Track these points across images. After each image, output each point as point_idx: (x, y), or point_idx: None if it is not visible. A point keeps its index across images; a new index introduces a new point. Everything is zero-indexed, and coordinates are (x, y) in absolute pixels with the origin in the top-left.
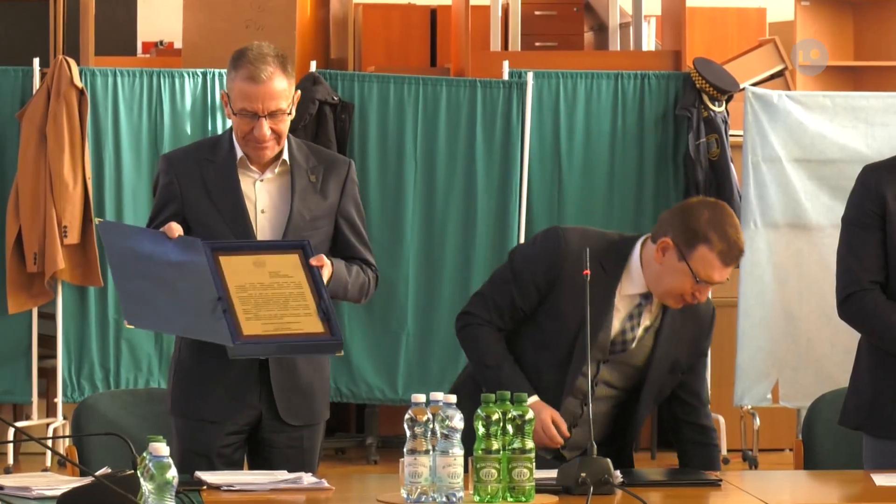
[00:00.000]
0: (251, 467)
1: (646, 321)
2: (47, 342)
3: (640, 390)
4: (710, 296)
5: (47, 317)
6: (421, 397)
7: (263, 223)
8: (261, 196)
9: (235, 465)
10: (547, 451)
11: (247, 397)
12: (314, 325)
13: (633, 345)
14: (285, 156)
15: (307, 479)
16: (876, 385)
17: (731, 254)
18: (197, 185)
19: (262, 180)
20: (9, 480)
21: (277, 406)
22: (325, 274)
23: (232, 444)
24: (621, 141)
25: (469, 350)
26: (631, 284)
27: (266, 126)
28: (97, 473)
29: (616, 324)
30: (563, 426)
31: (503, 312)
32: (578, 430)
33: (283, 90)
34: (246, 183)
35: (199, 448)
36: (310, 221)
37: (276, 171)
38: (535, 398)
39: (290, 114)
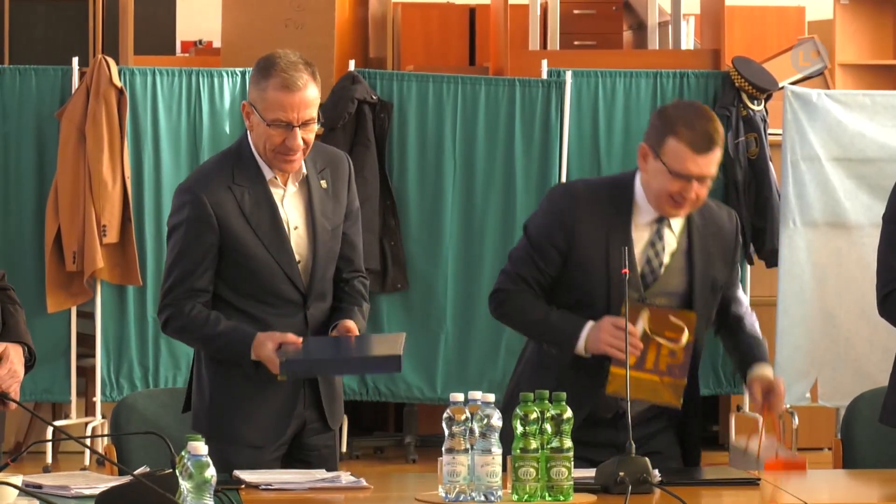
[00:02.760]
0: (287, 468)
1: (670, 244)
2: (86, 341)
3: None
4: (733, 214)
5: (86, 316)
6: (459, 396)
7: (297, 240)
8: (290, 212)
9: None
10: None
11: (295, 412)
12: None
13: (662, 270)
14: (303, 167)
15: (345, 477)
16: None
17: (701, 141)
18: (234, 212)
19: (286, 195)
20: (47, 479)
21: (326, 415)
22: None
23: (281, 455)
24: None
25: (511, 319)
26: (642, 213)
27: (299, 136)
28: (136, 472)
29: (639, 255)
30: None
31: (530, 282)
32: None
33: (315, 98)
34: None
35: (251, 465)
36: (332, 231)
37: (298, 183)
38: (589, 324)
39: (319, 121)
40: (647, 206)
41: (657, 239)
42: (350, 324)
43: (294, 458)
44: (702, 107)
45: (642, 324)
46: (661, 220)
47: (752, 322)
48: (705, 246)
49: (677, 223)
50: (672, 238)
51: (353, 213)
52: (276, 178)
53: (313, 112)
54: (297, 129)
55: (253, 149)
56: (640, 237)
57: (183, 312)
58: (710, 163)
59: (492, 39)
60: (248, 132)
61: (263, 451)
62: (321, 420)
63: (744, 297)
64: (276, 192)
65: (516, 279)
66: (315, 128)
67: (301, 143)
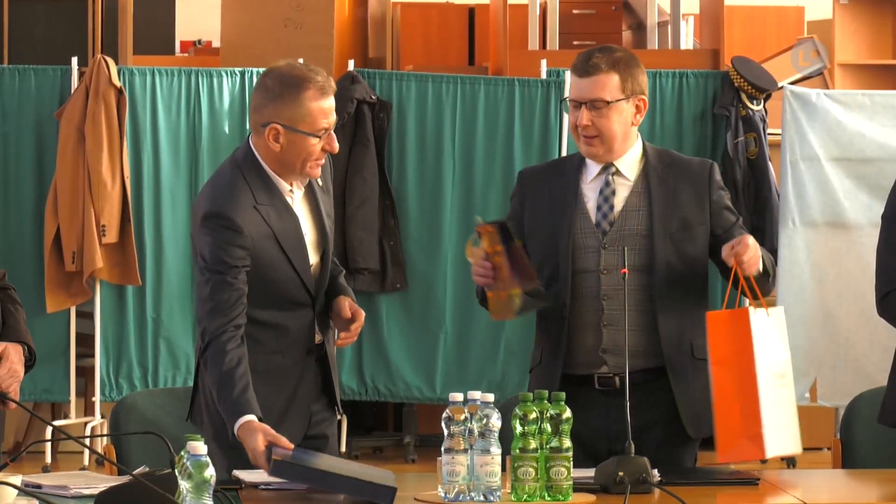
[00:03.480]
0: None
1: (622, 189)
2: (86, 341)
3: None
4: (707, 161)
5: (85, 316)
6: (459, 396)
7: (309, 246)
8: (301, 219)
9: None
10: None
11: (309, 407)
12: None
13: (615, 214)
14: None
15: None
16: None
17: (580, 65)
18: (264, 232)
19: (295, 202)
20: (47, 479)
21: (337, 402)
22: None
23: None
24: (659, 139)
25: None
26: (591, 170)
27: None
28: (135, 472)
29: (591, 208)
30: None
31: None
32: (611, 330)
33: None
34: None
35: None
36: (330, 228)
37: (304, 186)
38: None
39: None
40: (593, 163)
41: (605, 186)
42: (345, 301)
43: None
44: (604, 45)
45: (482, 245)
46: (608, 168)
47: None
48: (667, 185)
49: (630, 168)
50: (625, 182)
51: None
52: (291, 189)
53: None
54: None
55: (265, 167)
56: (591, 192)
57: (225, 349)
58: (591, 86)
59: (491, 39)
60: (257, 150)
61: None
62: (327, 409)
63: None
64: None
65: None
66: None
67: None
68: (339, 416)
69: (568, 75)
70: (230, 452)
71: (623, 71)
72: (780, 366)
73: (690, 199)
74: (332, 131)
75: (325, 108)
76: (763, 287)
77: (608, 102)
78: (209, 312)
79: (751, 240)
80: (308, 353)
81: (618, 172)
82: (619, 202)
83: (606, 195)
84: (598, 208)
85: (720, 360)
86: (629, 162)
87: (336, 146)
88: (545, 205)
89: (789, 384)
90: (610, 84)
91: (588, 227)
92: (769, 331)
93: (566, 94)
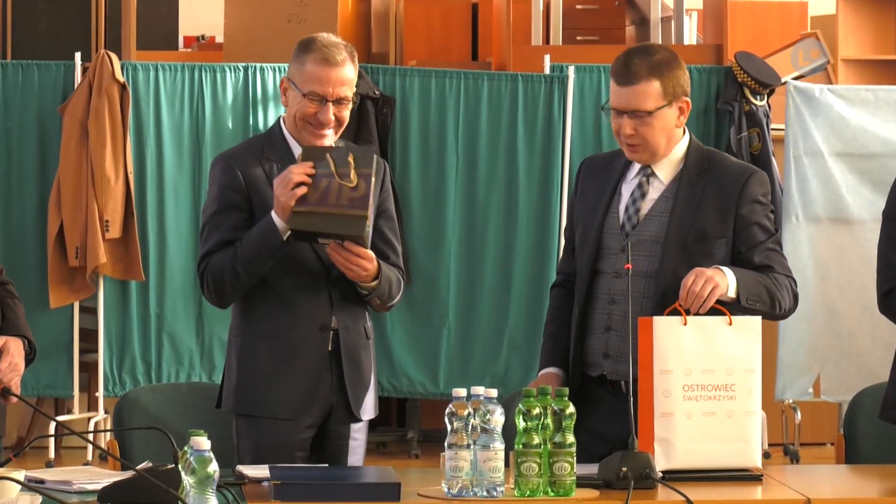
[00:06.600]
0: (314, 460)
1: (654, 193)
2: (89, 336)
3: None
4: (749, 173)
5: (89, 311)
6: (462, 392)
7: None
8: None
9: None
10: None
11: (320, 392)
12: None
13: (640, 217)
14: None
15: None
16: None
17: (621, 73)
18: (263, 182)
19: None
20: (50, 474)
21: (350, 401)
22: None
23: (309, 437)
24: None
25: None
26: (634, 168)
27: (331, 111)
28: (138, 467)
29: (622, 207)
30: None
31: (567, 252)
32: (613, 335)
33: (351, 78)
34: None
35: (278, 444)
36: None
37: None
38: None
39: (353, 103)
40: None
41: (637, 188)
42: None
43: (318, 445)
44: (643, 45)
45: (328, 164)
46: (644, 169)
47: (766, 275)
48: (695, 192)
49: (667, 171)
50: (659, 186)
51: (386, 213)
52: None
53: (348, 91)
54: (331, 103)
55: (285, 129)
56: (627, 191)
57: (216, 259)
58: (632, 96)
59: (494, 34)
60: (285, 110)
61: (291, 427)
62: (348, 408)
63: (779, 268)
64: None
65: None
66: (349, 108)
67: (332, 118)
68: (361, 420)
69: (571, 70)
70: (253, 429)
71: (664, 75)
72: (715, 377)
73: (714, 210)
74: (329, 104)
75: (320, 75)
76: (747, 312)
77: (650, 112)
78: (199, 258)
79: (693, 277)
80: (321, 330)
81: (653, 174)
82: (646, 205)
83: (636, 197)
84: (626, 210)
85: (643, 367)
86: (667, 164)
87: (327, 118)
88: (589, 199)
89: (740, 396)
90: (651, 92)
91: (614, 228)
92: (694, 339)
93: (569, 90)
